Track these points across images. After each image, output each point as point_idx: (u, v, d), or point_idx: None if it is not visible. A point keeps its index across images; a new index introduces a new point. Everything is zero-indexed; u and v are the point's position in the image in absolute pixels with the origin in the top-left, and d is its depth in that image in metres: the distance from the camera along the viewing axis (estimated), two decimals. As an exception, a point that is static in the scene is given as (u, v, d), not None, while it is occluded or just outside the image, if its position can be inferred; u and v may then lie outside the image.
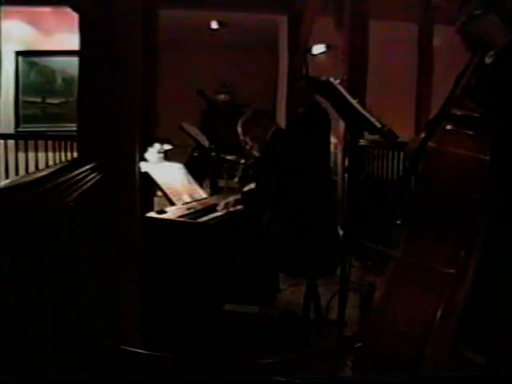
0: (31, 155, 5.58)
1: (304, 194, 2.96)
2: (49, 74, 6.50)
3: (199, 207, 3.10)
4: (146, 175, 3.04)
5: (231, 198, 3.21)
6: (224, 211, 3.07)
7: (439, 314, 1.59)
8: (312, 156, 3.16)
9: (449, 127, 1.80)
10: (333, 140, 4.96)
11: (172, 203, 3.11)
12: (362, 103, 2.69)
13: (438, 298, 1.62)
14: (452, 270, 1.66)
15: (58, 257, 1.42)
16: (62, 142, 5.72)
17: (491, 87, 2.05)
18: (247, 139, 3.19)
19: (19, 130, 6.42)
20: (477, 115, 1.85)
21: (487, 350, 2.22)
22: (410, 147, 2.07)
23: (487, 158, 1.72)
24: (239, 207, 3.15)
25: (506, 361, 2.09)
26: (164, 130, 4.53)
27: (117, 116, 2.06)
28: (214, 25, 7.44)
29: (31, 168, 5.46)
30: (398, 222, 1.89)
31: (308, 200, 2.97)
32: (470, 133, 1.80)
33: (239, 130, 3.20)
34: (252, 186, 3.27)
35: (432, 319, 1.59)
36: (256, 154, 3.22)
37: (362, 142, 5.16)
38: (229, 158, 4.22)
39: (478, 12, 2.10)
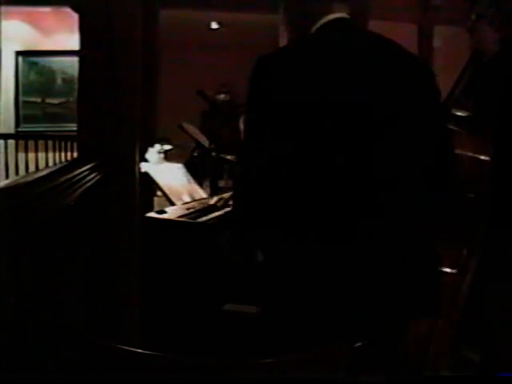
0: (31, 155, 5.58)
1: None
2: (49, 74, 6.50)
3: (199, 207, 3.10)
4: (146, 175, 3.03)
5: (226, 195, 3.22)
6: (220, 207, 3.09)
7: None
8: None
9: (449, 127, 1.80)
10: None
11: (172, 203, 3.11)
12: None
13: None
14: (454, 270, 1.67)
15: (58, 257, 1.42)
16: (62, 142, 5.71)
17: (488, 88, 2.05)
18: None
19: (19, 130, 6.42)
20: (476, 115, 1.85)
21: (484, 350, 2.22)
22: None
23: (487, 158, 1.73)
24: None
25: (502, 361, 2.09)
26: (164, 130, 4.53)
27: (117, 116, 2.06)
28: (214, 25, 7.44)
29: (31, 168, 5.45)
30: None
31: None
32: (470, 133, 1.80)
33: (241, 126, 3.23)
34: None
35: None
36: None
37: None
38: (229, 157, 4.22)
39: (473, 17, 2.10)
